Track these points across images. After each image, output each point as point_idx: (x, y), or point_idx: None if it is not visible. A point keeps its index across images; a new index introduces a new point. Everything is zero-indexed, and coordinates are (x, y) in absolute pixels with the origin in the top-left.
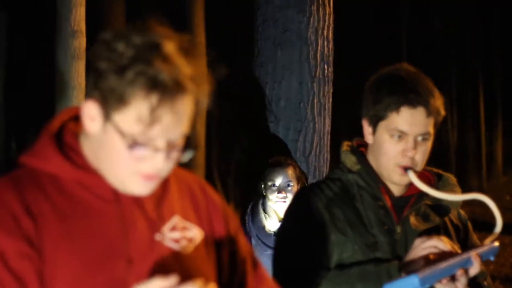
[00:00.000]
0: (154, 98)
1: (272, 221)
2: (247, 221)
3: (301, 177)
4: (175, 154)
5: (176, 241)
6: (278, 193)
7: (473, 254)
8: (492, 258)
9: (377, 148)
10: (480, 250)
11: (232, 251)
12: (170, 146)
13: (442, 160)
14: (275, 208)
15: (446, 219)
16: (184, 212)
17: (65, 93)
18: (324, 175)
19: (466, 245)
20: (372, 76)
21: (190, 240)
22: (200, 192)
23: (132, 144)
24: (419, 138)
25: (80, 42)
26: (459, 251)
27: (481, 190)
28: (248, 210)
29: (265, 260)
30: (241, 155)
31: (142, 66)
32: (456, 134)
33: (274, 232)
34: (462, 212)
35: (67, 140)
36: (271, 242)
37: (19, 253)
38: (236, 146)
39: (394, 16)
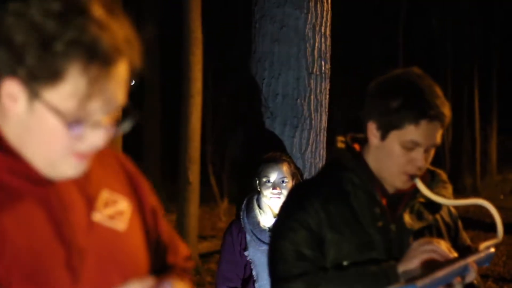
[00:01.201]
0: (93, 69)
1: (266, 217)
2: (241, 217)
3: (296, 173)
4: (111, 128)
5: (112, 217)
6: (272, 189)
7: (470, 262)
8: (487, 264)
9: (383, 153)
10: (477, 257)
11: (156, 223)
12: (110, 119)
13: (436, 158)
14: (270, 204)
15: (438, 216)
16: (110, 184)
17: None
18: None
19: (456, 242)
20: (378, 78)
21: (121, 213)
22: (117, 161)
23: (72, 122)
24: (429, 148)
25: None
26: (455, 255)
27: (475, 189)
28: (243, 205)
29: (260, 255)
30: (236, 151)
31: (75, 33)
32: (451, 132)
33: (269, 227)
34: (452, 209)
35: None
36: (265, 237)
37: None
38: (231, 141)
39: (391, 13)
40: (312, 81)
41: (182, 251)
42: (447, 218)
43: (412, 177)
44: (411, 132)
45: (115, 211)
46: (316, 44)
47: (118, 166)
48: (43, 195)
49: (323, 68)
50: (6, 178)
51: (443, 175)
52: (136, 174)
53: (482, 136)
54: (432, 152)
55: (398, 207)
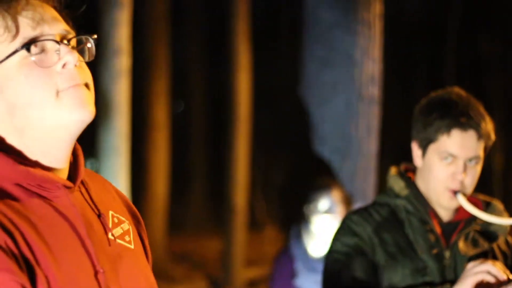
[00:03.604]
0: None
1: (317, 245)
2: (291, 244)
3: (346, 200)
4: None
5: (122, 235)
6: (323, 216)
7: None
8: None
9: (426, 171)
10: None
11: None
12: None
13: (487, 184)
14: (321, 232)
15: (494, 245)
16: (113, 207)
17: (108, 112)
18: (370, 198)
19: None
20: (422, 99)
21: (128, 233)
22: (111, 187)
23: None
24: (469, 162)
25: (124, 61)
26: (511, 277)
27: None
28: (293, 233)
29: (310, 283)
30: (284, 177)
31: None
32: (502, 157)
33: (320, 256)
34: (509, 238)
35: None
36: (316, 265)
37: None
38: (281, 167)
39: (441, 38)
40: (361, 106)
41: None
42: (503, 247)
43: (455, 192)
44: (445, 142)
45: (123, 231)
46: (366, 68)
47: (114, 191)
48: (67, 211)
49: (373, 92)
50: (15, 191)
51: (499, 205)
52: (127, 201)
53: None
54: (478, 169)
55: (453, 235)
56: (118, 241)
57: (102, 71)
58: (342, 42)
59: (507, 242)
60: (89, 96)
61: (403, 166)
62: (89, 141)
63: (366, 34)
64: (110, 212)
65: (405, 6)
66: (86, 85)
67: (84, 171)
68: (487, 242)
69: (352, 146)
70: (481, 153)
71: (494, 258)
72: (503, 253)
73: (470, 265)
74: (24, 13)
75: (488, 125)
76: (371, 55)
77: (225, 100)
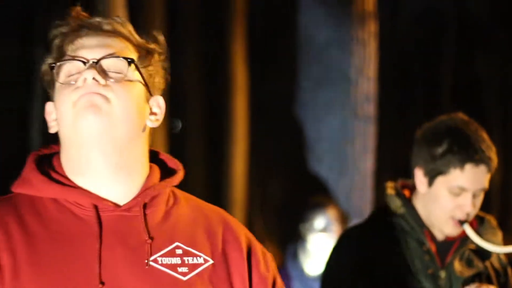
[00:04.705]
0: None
1: (313, 264)
2: (288, 264)
3: (343, 218)
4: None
5: (173, 266)
6: (319, 234)
7: None
8: None
9: (431, 200)
10: None
11: None
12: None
13: (484, 201)
14: (317, 250)
15: (488, 263)
16: (190, 239)
17: None
18: (367, 216)
19: None
20: (425, 124)
21: (192, 266)
22: (220, 222)
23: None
24: (476, 193)
25: None
26: None
27: None
28: (289, 252)
29: None
30: (283, 195)
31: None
32: (500, 174)
33: (317, 275)
34: (502, 256)
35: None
36: (314, 285)
37: None
38: (278, 186)
39: (438, 57)
40: (357, 124)
41: None
42: (496, 264)
43: (461, 222)
44: (457, 177)
45: (182, 262)
46: (361, 87)
47: (219, 228)
48: (86, 232)
49: (369, 110)
50: (54, 212)
51: (493, 221)
52: (239, 242)
53: None
54: (481, 197)
55: (448, 254)
56: (160, 267)
57: None
58: (337, 61)
59: (499, 260)
60: (99, 103)
61: (400, 183)
62: None
63: (360, 53)
64: (176, 243)
65: (400, 26)
66: (104, 97)
67: (149, 197)
68: (481, 262)
69: (348, 164)
70: (487, 183)
71: (488, 278)
72: (496, 271)
73: None
74: (73, 40)
75: (495, 156)
76: (366, 73)
77: (223, 120)
